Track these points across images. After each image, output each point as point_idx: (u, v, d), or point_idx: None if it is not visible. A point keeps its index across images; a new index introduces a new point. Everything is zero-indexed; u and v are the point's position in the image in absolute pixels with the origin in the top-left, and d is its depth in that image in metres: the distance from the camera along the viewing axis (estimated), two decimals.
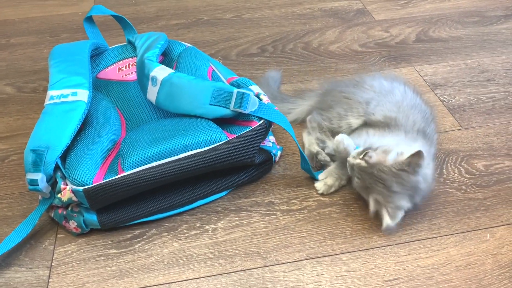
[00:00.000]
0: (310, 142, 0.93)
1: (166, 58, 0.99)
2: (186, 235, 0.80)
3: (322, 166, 0.91)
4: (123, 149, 0.77)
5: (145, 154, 0.75)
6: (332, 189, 0.87)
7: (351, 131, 0.91)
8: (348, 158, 0.80)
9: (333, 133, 0.92)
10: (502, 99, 1.08)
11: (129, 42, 1.04)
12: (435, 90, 1.10)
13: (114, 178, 0.74)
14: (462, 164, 0.92)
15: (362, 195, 0.81)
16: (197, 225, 0.82)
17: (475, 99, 1.08)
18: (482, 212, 0.84)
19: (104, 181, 0.73)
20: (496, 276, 0.75)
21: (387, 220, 0.76)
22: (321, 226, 0.81)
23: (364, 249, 0.78)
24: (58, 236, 0.81)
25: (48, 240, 0.80)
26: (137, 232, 0.81)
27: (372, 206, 0.78)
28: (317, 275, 0.75)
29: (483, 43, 1.25)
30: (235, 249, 0.78)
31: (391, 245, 0.79)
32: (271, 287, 0.73)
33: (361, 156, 0.78)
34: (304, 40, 1.27)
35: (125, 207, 0.79)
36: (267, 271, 0.75)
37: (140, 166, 0.75)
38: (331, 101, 0.94)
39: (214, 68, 0.95)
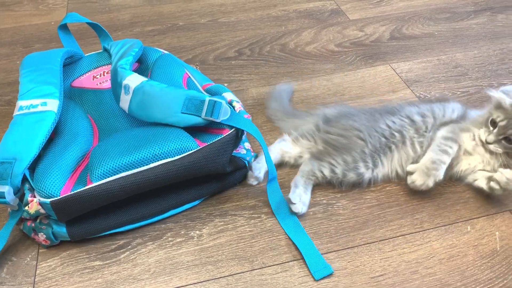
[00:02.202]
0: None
1: (141, 65, 0.98)
2: (171, 243, 0.80)
3: None
4: (92, 159, 0.76)
5: (113, 164, 0.74)
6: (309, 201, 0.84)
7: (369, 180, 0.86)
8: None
9: (332, 183, 0.86)
10: (476, 92, 1.10)
11: (105, 49, 1.03)
12: (411, 87, 1.12)
13: (82, 189, 0.73)
14: None
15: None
16: (182, 232, 0.81)
17: (450, 94, 1.10)
18: (461, 205, 0.86)
19: (72, 192, 0.72)
20: (478, 267, 0.76)
21: None
22: (306, 227, 0.82)
23: (349, 247, 0.79)
24: (40, 250, 0.79)
25: (30, 256, 0.78)
26: (121, 242, 0.80)
27: None
28: (304, 275, 0.75)
29: (455, 38, 1.28)
30: (221, 254, 0.78)
31: (375, 241, 0.80)
32: None
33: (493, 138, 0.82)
34: (281, 42, 1.28)
35: (96, 218, 0.78)
36: (255, 275, 0.75)
37: (108, 177, 0.74)
38: (338, 137, 0.87)
39: (190, 75, 0.94)
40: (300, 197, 0.82)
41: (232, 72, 1.18)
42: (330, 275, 0.75)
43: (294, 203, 0.81)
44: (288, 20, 1.37)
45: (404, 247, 0.79)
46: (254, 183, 0.88)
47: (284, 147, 0.91)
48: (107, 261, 0.77)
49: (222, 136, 0.80)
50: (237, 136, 0.83)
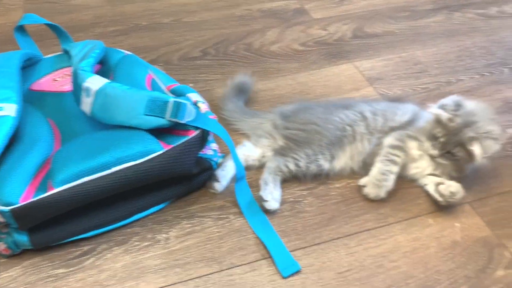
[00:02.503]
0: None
1: (103, 67, 0.96)
2: (138, 247, 0.79)
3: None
4: (54, 164, 0.74)
5: (76, 169, 0.73)
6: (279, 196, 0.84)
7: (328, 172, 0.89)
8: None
9: (298, 177, 0.88)
10: (435, 89, 1.14)
11: (65, 51, 1.00)
12: (374, 84, 1.14)
13: (43, 196, 0.71)
14: None
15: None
16: (149, 236, 0.80)
17: (411, 91, 1.13)
18: (423, 199, 0.88)
19: (33, 199, 0.70)
20: (440, 258, 0.79)
21: (478, 153, 0.79)
22: (273, 225, 0.82)
23: (316, 244, 0.80)
24: (0, 260, 0.76)
25: None
26: (86, 248, 0.79)
27: (478, 149, 0.79)
28: (273, 273, 0.76)
29: (415, 36, 1.31)
30: (189, 256, 0.78)
31: (341, 237, 0.81)
32: None
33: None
34: (246, 41, 1.28)
35: (59, 225, 0.76)
36: (223, 275, 0.75)
37: (70, 182, 0.72)
38: (297, 131, 0.89)
39: (154, 76, 0.93)
40: (272, 193, 0.83)
41: (198, 72, 1.17)
42: (298, 272, 0.76)
43: (267, 200, 0.82)
44: (252, 19, 1.37)
45: (370, 242, 0.81)
46: (219, 190, 0.87)
47: (246, 152, 0.91)
48: (72, 268, 0.76)
49: (188, 138, 0.79)
50: (203, 137, 0.82)
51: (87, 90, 0.81)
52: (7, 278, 0.74)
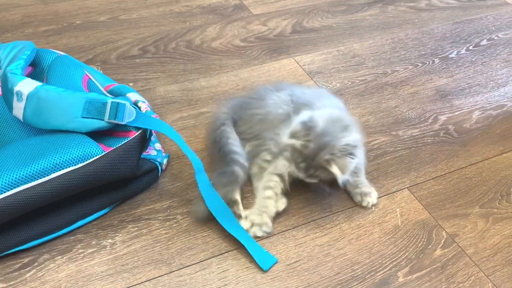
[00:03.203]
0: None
1: (35, 69, 0.92)
2: (82, 254, 0.76)
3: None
4: None
5: (10, 177, 0.69)
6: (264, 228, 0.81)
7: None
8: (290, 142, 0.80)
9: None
10: (372, 80, 1.18)
11: None
12: (314, 78, 1.17)
13: None
14: None
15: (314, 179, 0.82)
16: (93, 242, 0.78)
17: (349, 83, 1.16)
18: None
19: None
20: (383, 243, 0.82)
21: (338, 174, 0.77)
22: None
23: (265, 238, 0.81)
24: None
25: None
26: (26, 260, 0.75)
27: (337, 170, 0.77)
28: (223, 271, 0.76)
29: (352, 30, 1.36)
30: (137, 260, 0.76)
31: (289, 229, 0.83)
32: None
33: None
34: (186, 38, 1.26)
35: None
36: (173, 277, 0.74)
37: (5, 192, 0.69)
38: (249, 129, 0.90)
39: (90, 76, 0.90)
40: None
41: (137, 71, 1.14)
42: (246, 267, 0.76)
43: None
44: (191, 16, 1.35)
45: (316, 232, 0.83)
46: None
47: None
48: (11, 282, 0.72)
49: (129, 139, 0.77)
50: (145, 137, 0.81)
51: (19, 94, 0.77)
52: None
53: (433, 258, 0.81)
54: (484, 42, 1.35)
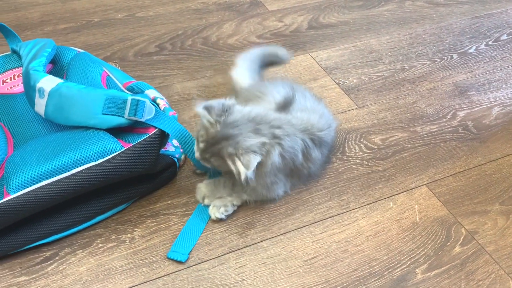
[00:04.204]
0: None
1: (55, 66, 0.93)
2: (102, 249, 0.77)
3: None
4: (8, 169, 0.72)
5: (32, 173, 0.70)
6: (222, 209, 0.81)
7: None
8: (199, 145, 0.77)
9: None
10: (390, 76, 1.17)
11: (13, 51, 0.96)
12: (331, 74, 1.16)
13: None
14: (362, 140, 0.99)
15: (221, 169, 0.79)
16: (113, 237, 0.79)
17: (366, 79, 1.16)
18: (383, 183, 0.91)
19: None
20: (401, 239, 0.82)
21: (242, 169, 0.73)
22: (239, 218, 0.83)
23: (282, 233, 0.81)
24: None
25: None
26: (48, 254, 0.76)
27: (234, 167, 0.74)
28: (240, 266, 0.76)
29: (369, 25, 1.34)
30: (155, 255, 0.77)
31: (306, 225, 0.83)
32: (197, 286, 0.73)
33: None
34: (202, 35, 1.27)
35: (17, 231, 0.74)
36: (191, 271, 0.75)
37: (27, 187, 0.70)
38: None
39: (109, 73, 0.91)
40: None
41: (155, 68, 1.15)
42: (263, 262, 0.77)
43: None
44: (208, 12, 1.36)
45: (334, 228, 0.83)
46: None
47: None
48: (34, 275, 0.73)
49: (148, 135, 0.78)
50: (164, 133, 0.81)
51: (41, 91, 0.78)
52: None
53: (452, 255, 0.80)
54: (504, 37, 1.33)
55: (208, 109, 0.76)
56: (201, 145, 0.77)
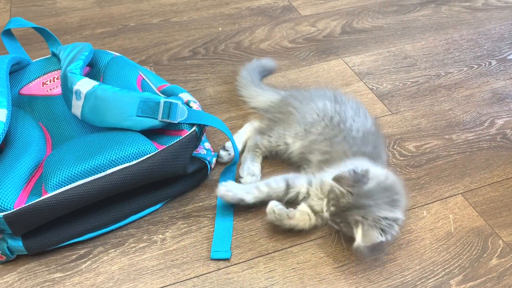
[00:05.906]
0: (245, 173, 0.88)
1: (93, 69, 0.96)
2: (134, 249, 0.79)
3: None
4: (47, 168, 0.74)
5: (69, 172, 0.72)
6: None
7: (290, 155, 0.90)
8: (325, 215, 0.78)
9: (272, 154, 0.92)
10: (425, 82, 1.15)
11: (53, 54, 0.99)
12: (364, 79, 1.15)
13: (36, 201, 0.70)
14: (395, 147, 0.97)
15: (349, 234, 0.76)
16: (145, 237, 0.80)
17: (401, 85, 1.14)
18: (417, 191, 0.89)
19: (26, 205, 0.70)
20: (435, 249, 0.80)
21: (359, 240, 0.72)
22: (264, 224, 0.82)
23: (312, 240, 0.80)
24: None
25: None
26: (82, 252, 0.78)
27: (359, 234, 0.72)
28: (270, 271, 0.76)
29: (403, 30, 1.32)
30: (186, 256, 0.78)
31: (339, 232, 0.81)
32: None
33: (325, 209, 0.77)
34: (235, 40, 1.28)
35: (54, 229, 0.76)
36: (221, 274, 0.75)
37: (64, 186, 0.72)
38: (277, 113, 0.94)
39: (144, 77, 0.93)
40: (248, 169, 0.88)
41: (188, 72, 1.17)
42: (293, 268, 0.76)
43: (242, 177, 0.87)
44: (241, 17, 1.37)
45: None
46: (225, 159, 0.92)
47: (253, 127, 0.97)
48: (68, 272, 0.75)
49: (181, 138, 0.79)
50: (197, 136, 0.82)
51: (78, 93, 0.80)
52: (3, 284, 0.74)
53: (488, 267, 0.77)
54: None
55: (338, 180, 0.74)
56: (332, 208, 0.76)
